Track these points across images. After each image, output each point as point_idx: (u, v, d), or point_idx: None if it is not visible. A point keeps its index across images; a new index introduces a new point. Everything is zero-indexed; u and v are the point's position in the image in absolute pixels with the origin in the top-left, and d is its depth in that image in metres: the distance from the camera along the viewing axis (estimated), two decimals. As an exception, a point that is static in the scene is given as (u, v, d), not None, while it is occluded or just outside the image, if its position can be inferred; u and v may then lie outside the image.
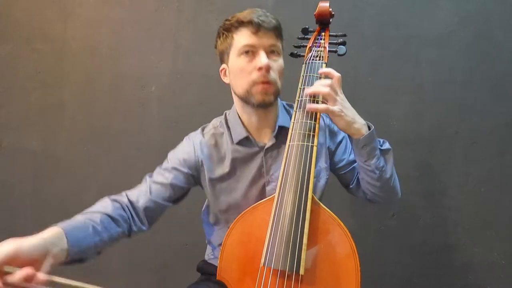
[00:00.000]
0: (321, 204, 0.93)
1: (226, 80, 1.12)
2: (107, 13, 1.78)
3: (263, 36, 1.02)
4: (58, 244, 0.79)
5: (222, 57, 1.10)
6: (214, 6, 1.73)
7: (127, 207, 1.02)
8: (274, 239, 0.89)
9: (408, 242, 1.65)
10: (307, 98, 1.00)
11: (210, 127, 1.16)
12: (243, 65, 1.03)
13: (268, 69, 1.00)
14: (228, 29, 1.06)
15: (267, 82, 1.02)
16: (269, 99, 1.03)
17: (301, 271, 0.86)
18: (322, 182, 1.13)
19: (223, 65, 1.11)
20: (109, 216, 0.96)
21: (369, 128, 1.02)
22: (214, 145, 1.12)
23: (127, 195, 1.05)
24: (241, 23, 1.02)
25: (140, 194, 1.06)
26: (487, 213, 1.61)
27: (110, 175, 1.78)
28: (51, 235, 0.79)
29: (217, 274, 0.96)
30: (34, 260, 0.73)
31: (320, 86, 0.97)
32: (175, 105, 1.75)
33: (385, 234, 1.66)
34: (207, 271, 1.20)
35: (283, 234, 0.89)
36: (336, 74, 0.98)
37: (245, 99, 1.06)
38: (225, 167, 1.10)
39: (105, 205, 0.99)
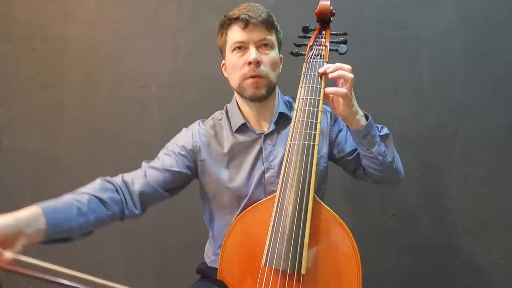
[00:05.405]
0: (322, 203, 0.93)
1: (226, 74, 1.15)
2: (107, 13, 1.78)
3: (253, 31, 1.04)
4: (34, 224, 0.77)
5: (221, 53, 1.14)
6: (214, 6, 1.72)
7: (121, 189, 1.00)
8: (275, 239, 0.89)
9: (408, 242, 1.65)
10: (317, 74, 1.02)
11: (209, 119, 1.19)
12: (235, 61, 1.06)
13: (257, 63, 1.02)
14: (222, 26, 1.10)
15: (257, 76, 1.03)
16: (260, 92, 1.06)
17: (303, 271, 0.86)
18: (320, 169, 1.11)
19: (223, 61, 1.14)
20: (98, 198, 0.93)
21: (366, 118, 1.02)
22: (213, 134, 1.14)
23: (122, 177, 1.04)
24: (231, 20, 1.06)
25: (136, 176, 1.05)
26: (487, 213, 1.61)
27: (110, 175, 1.75)
28: (27, 215, 0.77)
29: (218, 274, 0.95)
30: (5, 239, 0.71)
31: (346, 71, 0.96)
32: (175, 105, 1.75)
33: (385, 234, 1.66)
34: (207, 275, 1.18)
35: (284, 233, 0.89)
36: (347, 66, 0.98)
37: (240, 93, 1.09)
38: (224, 156, 1.11)
39: (96, 186, 0.97)
